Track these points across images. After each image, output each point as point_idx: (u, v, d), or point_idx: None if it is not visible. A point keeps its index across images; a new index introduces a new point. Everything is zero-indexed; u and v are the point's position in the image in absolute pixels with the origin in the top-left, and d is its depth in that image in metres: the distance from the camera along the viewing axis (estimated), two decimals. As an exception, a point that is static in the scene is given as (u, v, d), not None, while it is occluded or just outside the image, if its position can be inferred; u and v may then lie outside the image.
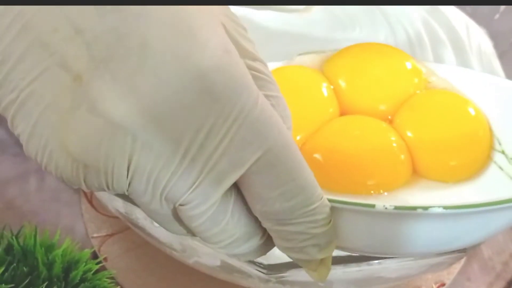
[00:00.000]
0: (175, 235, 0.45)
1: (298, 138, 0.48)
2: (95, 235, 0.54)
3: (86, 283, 0.40)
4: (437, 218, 0.37)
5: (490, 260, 0.54)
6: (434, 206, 0.37)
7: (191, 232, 0.34)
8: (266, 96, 0.33)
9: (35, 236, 0.40)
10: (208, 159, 0.31)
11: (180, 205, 0.32)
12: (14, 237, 0.40)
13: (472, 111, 0.50)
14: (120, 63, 0.30)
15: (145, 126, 0.30)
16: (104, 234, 0.54)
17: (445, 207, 0.37)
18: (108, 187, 0.31)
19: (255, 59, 0.34)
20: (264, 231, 0.35)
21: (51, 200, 0.56)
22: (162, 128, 0.30)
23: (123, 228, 0.54)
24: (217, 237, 0.33)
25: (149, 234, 0.47)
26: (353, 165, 0.47)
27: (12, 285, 0.38)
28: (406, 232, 0.38)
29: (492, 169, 0.48)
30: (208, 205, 0.32)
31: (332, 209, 0.35)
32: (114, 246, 0.54)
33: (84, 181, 0.31)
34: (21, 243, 0.40)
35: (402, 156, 0.48)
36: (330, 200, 0.35)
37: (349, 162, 0.48)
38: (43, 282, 0.39)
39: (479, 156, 0.49)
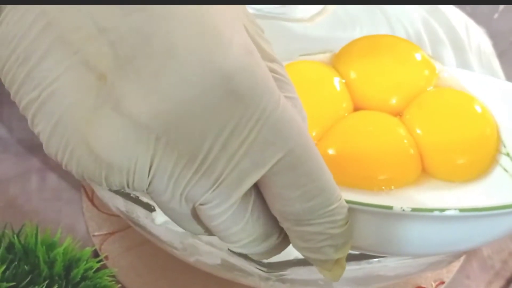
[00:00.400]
0: (175, 234, 0.45)
1: (313, 134, 0.49)
2: (96, 233, 0.54)
3: (87, 281, 0.40)
4: (451, 220, 0.37)
5: (489, 259, 0.55)
6: (450, 209, 0.37)
7: (209, 231, 0.34)
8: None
9: (36, 234, 0.40)
10: (230, 159, 0.31)
11: (200, 204, 0.32)
12: (15, 236, 0.40)
13: (479, 110, 0.50)
14: (145, 63, 0.30)
15: (169, 126, 0.30)
16: (105, 232, 0.55)
17: (461, 210, 0.37)
18: (128, 186, 0.31)
19: (273, 60, 0.34)
20: (281, 231, 0.35)
21: (52, 198, 0.56)
22: (186, 128, 0.30)
23: (124, 227, 0.54)
24: (236, 236, 0.33)
25: (149, 233, 0.47)
26: (365, 161, 0.48)
27: (14, 283, 0.38)
28: (417, 233, 0.38)
29: (498, 171, 0.48)
30: (228, 205, 0.32)
31: (348, 209, 0.35)
32: (115, 245, 0.54)
33: (105, 179, 0.31)
34: (22, 242, 0.40)
35: (412, 151, 0.48)
36: (347, 201, 0.35)
37: (362, 158, 0.48)
38: (44, 281, 0.39)
39: (486, 155, 0.49)
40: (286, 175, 0.32)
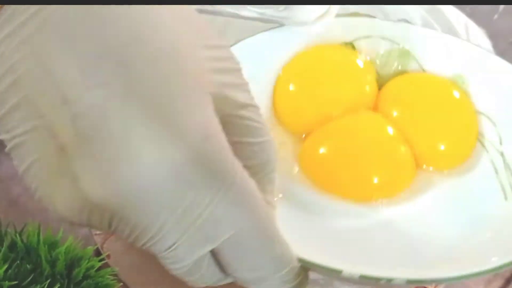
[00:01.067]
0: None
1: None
2: (98, 232, 0.54)
3: (89, 280, 0.40)
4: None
5: (488, 258, 0.54)
6: (397, 278, 0.38)
7: None
8: (251, 144, 0.35)
9: (38, 233, 0.40)
10: (183, 233, 0.32)
11: (160, 256, 0.34)
12: (17, 235, 0.41)
13: (456, 94, 0.50)
14: (101, 147, 0.31)
15: (122, 207, 0.31)
16: (107, 231, 0.55)
17: (407, 281, 0.39)
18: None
19: (245, 106, 0.35)
20: None
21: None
22: (138, 211, 0.31)
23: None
24: (194, 282, 0.36)
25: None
26: (361, 169, 0.48)
27: (16, 282, 0.38)
28: None
29: (487, 169, 0.48)
30: (182, 265, 0.34)
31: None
32: (117, 243, 0.54)
33: (70, 224, 0.33)
34: (25, 241, 0.40)
35: (408, 154, 0.48)
36: (301, 261, 0.37)
37: (356, 167, 0.48)
38: (46, 279, 0.39)
39: (469, 134, 0.50)
40: (235, 250, 0.34)
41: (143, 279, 0.52)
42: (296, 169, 0.50)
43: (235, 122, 0.35)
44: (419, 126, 0.50)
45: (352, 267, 0.39)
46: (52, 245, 0.40)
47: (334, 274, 0.39)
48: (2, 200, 0.56)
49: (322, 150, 0.50)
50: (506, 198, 0.47)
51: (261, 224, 0.34)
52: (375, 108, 0.52)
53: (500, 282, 0.53)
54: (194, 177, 0.31)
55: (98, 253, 0.52)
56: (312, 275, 0.44)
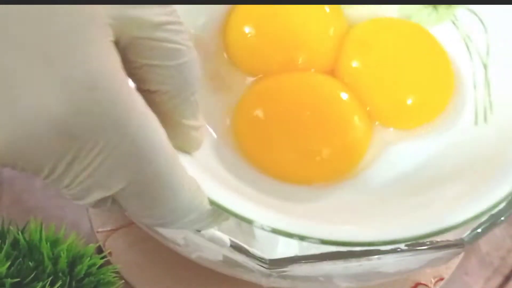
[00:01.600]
0: (178, 230, 0.45)
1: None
2: (100, 229, 0.54)
3: (90, 277, 0.40)
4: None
5: (488, 255, 0.55)
6: (312, 238, 0.36)
7: None
8: (166, 67, 0.32)
9: (40, 231, 0.41)
10: (74, 177, 0.31)
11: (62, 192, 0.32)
12: (20, 232, 0.41)
13: (430, 39, 0.46)
14: None
15: (6, 155, 0.30)
16: (109, 228, 0.55)
17: (322, 241, 0.36)
18: None
19: (159, 25, 0.32)
20: None
21: (57, 195, 0.56)
22: (24, 159, 0.30)
23: (128, 223, 0.54)
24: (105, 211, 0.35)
25: (153, 229, 0.47)
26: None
27: (18, 279, 0.39)
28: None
29: (468, 114, 0.44)
30: (84, 203, 0.33)
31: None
32: (118, 241, 0.54)
33: None
34: (27, 238, 0.41)
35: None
36: (214, 203, 0.35)
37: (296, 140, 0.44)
38: (48, 277, 0.39)
39: (441, 94, 0.45)
40: (131, 200, 0.32)
41: (144, 277, 0.52)
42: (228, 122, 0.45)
43: (146, 45, 0.32)
44: (386, 78, 0.44)
45: (265, 219, 0.36)
46: (54, 243, 0.41)
47: (246, 223, 0.36)
48: (5, 198, 0.56)
49: (254, 113, 0.44)
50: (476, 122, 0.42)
51: (160, 177, 0.32)
52: (336, 58, 0.45)
53: (499, 279, 0.54)
54: (77, 130, 0.29)
55: (100, 250, 0.52)
56: (313, 272, 0.45)
